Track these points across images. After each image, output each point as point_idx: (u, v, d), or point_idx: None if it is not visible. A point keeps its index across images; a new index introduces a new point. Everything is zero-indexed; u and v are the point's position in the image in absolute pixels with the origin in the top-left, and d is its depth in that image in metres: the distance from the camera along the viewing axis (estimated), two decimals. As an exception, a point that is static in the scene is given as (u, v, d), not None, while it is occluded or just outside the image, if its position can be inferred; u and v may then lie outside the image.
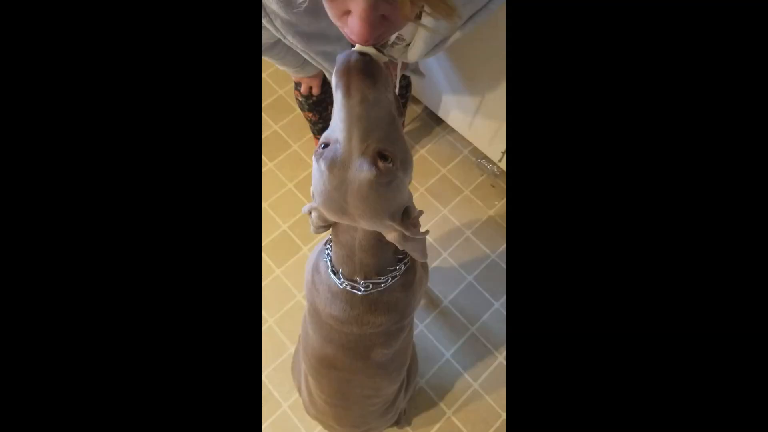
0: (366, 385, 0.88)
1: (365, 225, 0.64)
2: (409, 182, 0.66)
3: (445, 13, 0.48)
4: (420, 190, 1.52)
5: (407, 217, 0.66)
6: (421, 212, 0.69)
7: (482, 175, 1.54)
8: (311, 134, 1.49)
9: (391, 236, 0.67)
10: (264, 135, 1.61)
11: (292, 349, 1.31)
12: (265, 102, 1.67)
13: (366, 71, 0.54)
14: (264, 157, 1.58)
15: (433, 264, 1.42)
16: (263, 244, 1.46)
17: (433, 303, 1.38)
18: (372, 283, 0.74)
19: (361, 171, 0.56)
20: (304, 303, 1.22)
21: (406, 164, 0.62)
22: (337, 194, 0.59)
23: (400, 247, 0.69)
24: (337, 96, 0.56)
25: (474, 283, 1.40)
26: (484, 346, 1.33)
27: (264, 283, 1.41)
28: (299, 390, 1.08)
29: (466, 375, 1.30)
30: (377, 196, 0.58)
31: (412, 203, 0.69)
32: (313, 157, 0.62)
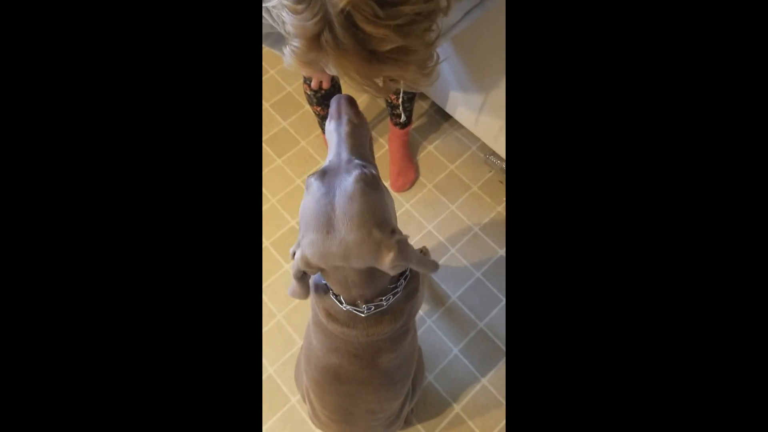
0: (370, 399, 0.87)
1: (351, 241, 0.61)
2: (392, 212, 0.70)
3: (418, 83, 0.56)
4: (428, 187, 1.52)
5: (395, 234, 0.65)
6: (407, 236, 0.69)
7: (490, 171, 1.54)
8: (320, 130, 1.49)
9: (386, 260, 0.64)
10: (273, 132, 1.62)
11: (301, 344, 1.32)
12: (274, 99, 1.67)
13: (352, 102, 0.69)
14: (273, 154, 1.58)
15: (441, 260, 1.42)
16: (273, 239, 1.47)
17: (440, 300, 1.37)
18: (374, 305, 0.74)
19: (348, 173, 0.63)
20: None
21: (383, 187, 0.68)
22: (325, 201, 0.62)
23: (402, 268, 0.67)
24: (330, 125, 0.68)
25: (482, 279, 1.39)
26: (492, 342, 1.32)
27: (273, 278, 1.41)
28: (304, 399, 1.07)
29: (474, 371, 1.29)
30: (363, 196, 0.61)
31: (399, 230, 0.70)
32: (305, 187, 0.66)
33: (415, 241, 1.44)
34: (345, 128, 0.66)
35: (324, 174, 0.63)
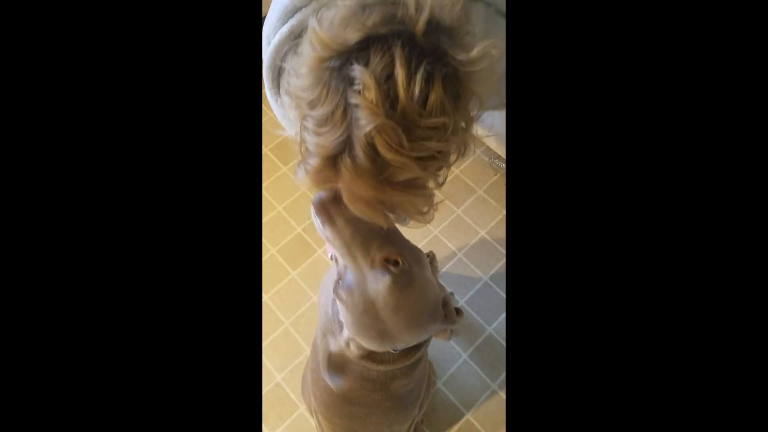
0: (380, 422, 0.86)
1: (412, 339, 0.63)
2: (435, 271, 0.66)
3: (415, 218, 0.54)
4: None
5: (447, 309, 0.65)
6: (452, 294, 0.69)
7: (495, 175, 1.53)
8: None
9: (441, 337, 0.67)
10: (278, 140, 1.63)
11: (308, 351, 1.31)
12: (279, 108, 1.69)
13: (336, 198, 0.57)
14: (279, 162, 1.59)
15: (447, 265, 1.41)
16: (279, 247, 1.47)
17: (449, 305, 1.36)
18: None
19: (377, 282, 0.58)
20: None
21: (416, 256, 0.63)
22: (369, 317, 0.59)
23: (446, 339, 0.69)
24: (326, 230, 0.59)
25: (490, 282, 1.38)
26: (501, 347, 1.31)
27: (280, 285, 1.41)
28: (311, 413, 1.06)
29: (484, 376, 1.28)
30: (406, 299, 0.58)
31: (445, 292, 0.68)
32: (333, 294, 0.63)
33: (421, 247, 1.44)
34: (346, 232, 0.57)
35: (351, 289, 0.59)
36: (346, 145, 0.46)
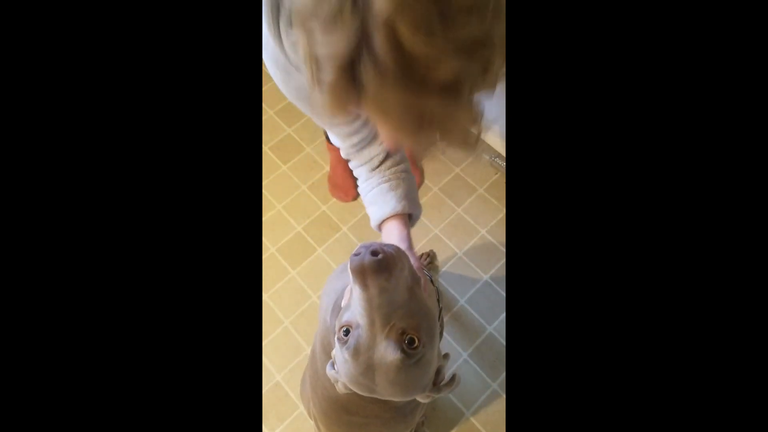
0: (380, 430, 0.86)
1: (398, 400, 0.66)
2: (440, 339, 0.66)
3: (462, 146, 0.48)
4: (434, 190, 1.52)
5: (438, 378, 0.64)
6: (447, 357, 0.67)
7: (496, 174, 1.53)
8: (324, 137, 1.50)
9: (423, 400, 0.67)
10: (278, 138, 1.63)
11: (308, 351, 1.31)
12: (278, 106, 1.68)
13: (380, 269, 0.55)
14: (278, 161, 1.59)
15: (448, 264, 1.41)
16: (279, 246, 1.47)
17: (448, 305, 1.36)
18: None
19: (387, 354, 0.56)
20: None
21: (431, 329, 0.61)
22: (365, 379, 0.59)
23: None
24: (356, 288, 0.56)
25: (490, 282, 1.38)
26: (502, 346, 1.31)
27: (279, 284, 1.41)
28: (309, 415, 1.07)
29: (484, 375, 1.28)
30: (407, 377, 0.58)
31: (442, 361, 0.67)
32: (335, 341, 0.62)
33: (421, 246, 1.44)
34: (376, 301, 0.55)
35: (358, 351, 0.57)
36: (363, 47, 0.37)
